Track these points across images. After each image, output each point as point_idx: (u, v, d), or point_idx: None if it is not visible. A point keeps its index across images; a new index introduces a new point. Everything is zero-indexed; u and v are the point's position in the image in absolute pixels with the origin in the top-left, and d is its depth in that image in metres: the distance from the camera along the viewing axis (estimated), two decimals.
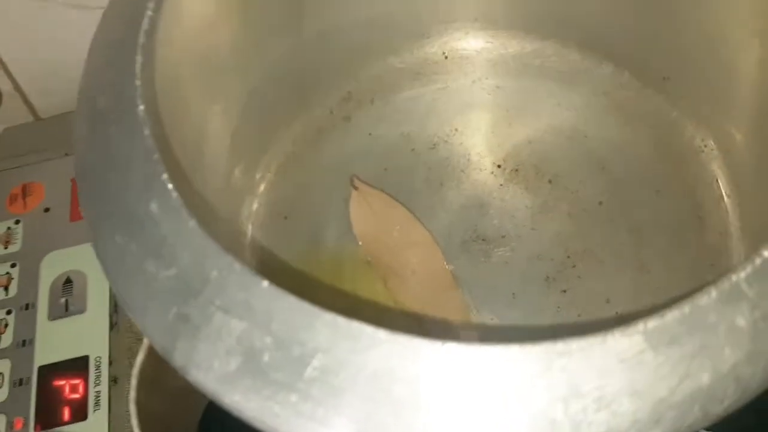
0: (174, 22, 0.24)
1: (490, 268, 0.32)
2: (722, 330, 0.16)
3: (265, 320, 0.17)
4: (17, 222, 0.37)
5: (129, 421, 0.20)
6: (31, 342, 0.33)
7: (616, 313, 0.30)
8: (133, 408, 0.19)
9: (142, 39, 0.22)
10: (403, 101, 0.37)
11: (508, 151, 0.35)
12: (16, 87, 0.43)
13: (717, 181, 0.33)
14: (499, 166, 0.35)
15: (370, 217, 0.34)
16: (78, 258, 0.35)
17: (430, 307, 0.32)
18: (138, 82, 0.21)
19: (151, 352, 0.20)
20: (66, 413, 0.32)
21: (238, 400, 0.17)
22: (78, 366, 0.32)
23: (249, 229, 0.34)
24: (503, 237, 0.33)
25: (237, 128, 0.33)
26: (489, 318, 0.31)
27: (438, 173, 0.35)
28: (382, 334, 0.17)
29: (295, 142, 0.36)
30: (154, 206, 0.19)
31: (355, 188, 0.34)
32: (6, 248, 0.36)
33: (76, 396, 0.32)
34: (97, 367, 0.32)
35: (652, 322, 0.16)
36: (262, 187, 0.35)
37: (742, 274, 0.17)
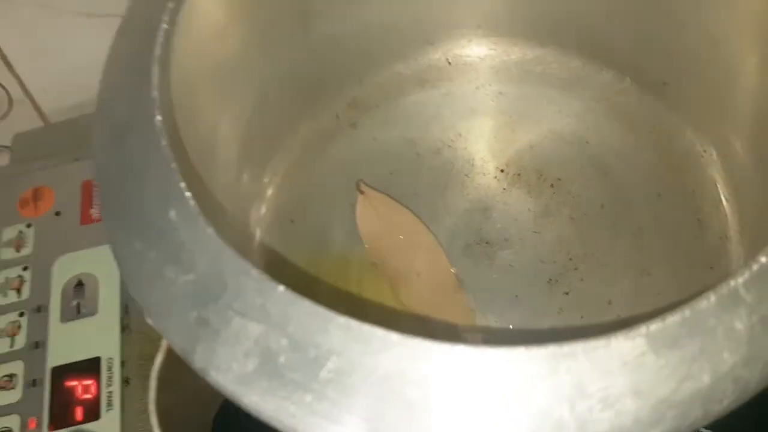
0: (188, 35, 0.25)
1: (494, 271, 0.33)
2: (721, 333, 0.17)
3: (282, 324, 0.18)
4: (29, 226, 0.38)
5: (143, 420, 0.20)
6: (44, 344, 0.34)
7: (618, 315, 0.31)
8: (152, 408, 0.20)
9: (158, 51, 0.22)
10: (408, 107, 0.38)
11: (511, 156, 0.36)
12: (26, 93, 0.44)
13: (716, 185, 0.34)
14: (502, 171, 0.36)
15: (375, 220, 0.34)
16: (89, 261, 0.36)
17: (434, 309, 0.33)
18: (155, 93, 0.22)
19: (169, 354, 0.21)
20: (79, 413, 0.32)
21: (256, 401, 0.18)
22: (90, 367, 0.33)
23: (257, 233, 0.34)
24: (506, 240, 0.34)
25: (246, 134, 0.33)
26: (492, 320, 0.32)
27: (442, 177, 0.36)
28: (393, 337, 0.17)
29: (302, 147, 0.37)
30: (172, 214, 0.20)
31: (361, 192, 0.35)
32: (18, 251, 0.37)
33: (88, 396, 0.32)
34: (109, 368, 0.33)
35: (653, 326, 0.17)
36: (269, 192, 0.35)
37: (740, 280, 0.17)
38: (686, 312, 0.17)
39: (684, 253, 0.33)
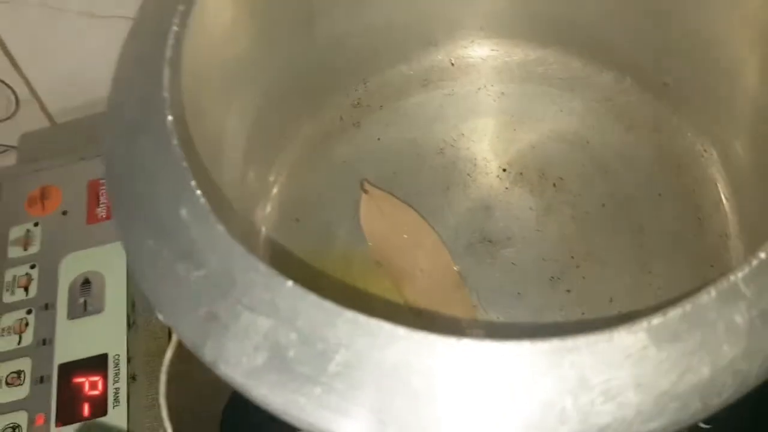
0: (197, 37, 0.25)
1: (496, 269, 0.33)
2: (721, 327, 0.17)
3: (290, 318, 0.19)
4: (36, 224, 0.38)
5: (149, 416, 0.21)
6: (51, 341, 0.34)
7: (619, 312, 0.31)
8: (163, 402, 0.20)
9: (168, 53, 0.23)
10: (411, 107, 0.38)
11: (513, 155, 0.36)
12: (33, 93, 0.44)
13: (716, 184, 0.34)
14: (504, 170, 0.36)
15: (379, 219, 0.35)
16: (96, 259, 0.37)
17: (437, 306, 0.33)
18: (166, 94, 0.22)
19: (179, 349, 0.21)
20: (86, 409, 0.33)
21: (265, 394, 0.18)
22: (97, 364, 0.34)
23: (262, 231, 0.35)
24: (509, 238, 0.34)
25: (251, 133, 0.34)
26: (495, 317, 0.32)
27: (445, 177, 0.36)
28: (400, 331, 0.18)
29: (307, 146, 0.37)
30: (183, 212, 0.20)
31: (365, 191, 0.35)
32: (25, 250, 0.37)
33: (95, 393, 0.33)
34: (116, 365, 0.33)
35: (655, 320, 0.17)
36: (274, 190, 0.36)
37: (740, 274, 0.18)
38: (687, 306, 0.17)
39: (684, 251, 0.33)
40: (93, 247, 0.37)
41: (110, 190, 0.22)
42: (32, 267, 0.37)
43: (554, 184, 0.35)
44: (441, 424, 0.17)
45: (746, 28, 0.31)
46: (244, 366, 0.18)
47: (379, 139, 0.38)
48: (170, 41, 0.23)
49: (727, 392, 0.17)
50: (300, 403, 0.18)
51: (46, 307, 0.35)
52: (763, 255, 0.18)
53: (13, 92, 0.44)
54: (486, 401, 0.17)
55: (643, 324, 0.17)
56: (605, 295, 0.32)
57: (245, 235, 0.34)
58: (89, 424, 0.29)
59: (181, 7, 0.24)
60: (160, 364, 0.24)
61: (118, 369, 0.33)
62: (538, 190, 0.35)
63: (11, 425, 0.32)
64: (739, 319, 0.17)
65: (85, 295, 0.36)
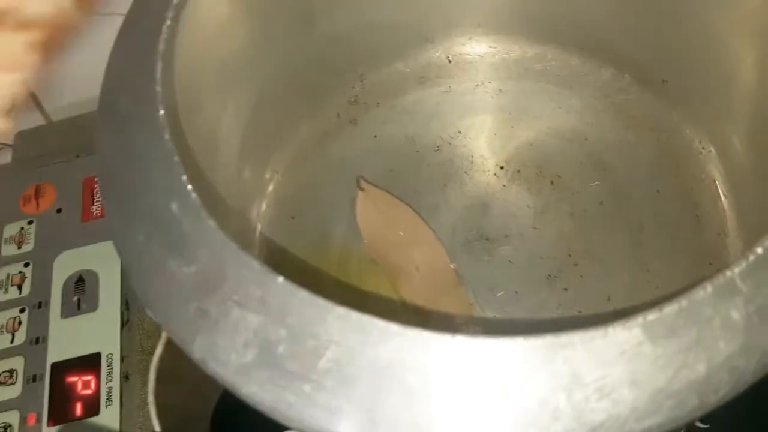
0: (191, 31, 0.25)
1: (493, 267, 0.33)
2: (717, 323, 0.17)
3: (280, 314, 0.18)
4: (30, 222, 0.38)
5: (142, 415, 0.21)
6: (44, 339, 0.34)
7: (615, 309, 0.31)
8: (151, 399, 0.20)
9: (161, 46, 0.23)
10: (408, 104, 0.38)
11: (511, 153, 0.36)
12: (29, 91, 0.44)
13: (715, 182, 0.34)
14: (501, 168, 0.36)
15: (375, 216, 0.35)
16: (90, 257, 0.36)
17: (434, 304, 0.33)
18: (158, 88, 0.22)
19: (169, 346, 0.21)
20: (78, 408, 0.32)
21: (255, 391, 0.18)
22: (90, 363, 0.33)
23: (258, 228, 0.35)
24: (506, 236, 0.34)
25: (247, 130, 0.33)
26: (491, 315, 0.32)
27: (442, 174, 0.36)
28: (392, 327, 0.18)
29: (303, 143, 0.37)
30: (174, 207, 0.20)
31: (361, 189, 0.35)
32: (19, 248, 0.37)
33: (88, 392, 0.33)
34: (109, 364, 0.33)
35: (650, 316, 0.17)
36: (270, 188, 0.36)
37: (737, 270, 0.18)
38: (683, 302, 0.17)
39: (683, 249, 0.33)
40: (87, 245, 0.37)
41: (102, 184, 0.21)
42: (26, 265, 0.36)
43: (552, 182, 0.35)
44: (434, 421, 0.17)
45: (745, 24, 0.30)
46: (233, 363, 0.18)
47: (375, 136, 0.37)
48: (163, 35, 0.23)
49: (723, 389, 0.17)
50: (289, 400, 0.18)
51: (40, 305, 0.35)
52: (760, 250, 0.18)
53: None
54: (479, 398, 0.17)
55: (639, 320, 0.17)
56: (603, 293, 0.32)
57: (241, 233, 0.33)
58: (76, 425, 0.29)
59: (175, 1, 0.24)
60: None
61: (111, 368, 0.33)
62: (535, 187, 0.35)
63: (3, 425, 0.32)
64: (735, 314, 0.17)
65: (79, 294, 0.35)
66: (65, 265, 0.36)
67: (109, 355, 0.33)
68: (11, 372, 0.33)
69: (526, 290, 0.32)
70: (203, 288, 0.19)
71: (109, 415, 0.32)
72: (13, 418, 0.32)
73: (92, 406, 0.32)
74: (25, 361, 0.34)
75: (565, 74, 0.37)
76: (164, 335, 0.21)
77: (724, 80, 0.33)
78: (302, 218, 0.35)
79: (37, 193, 0.39)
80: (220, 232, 0.19)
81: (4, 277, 0.36)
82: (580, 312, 0.31)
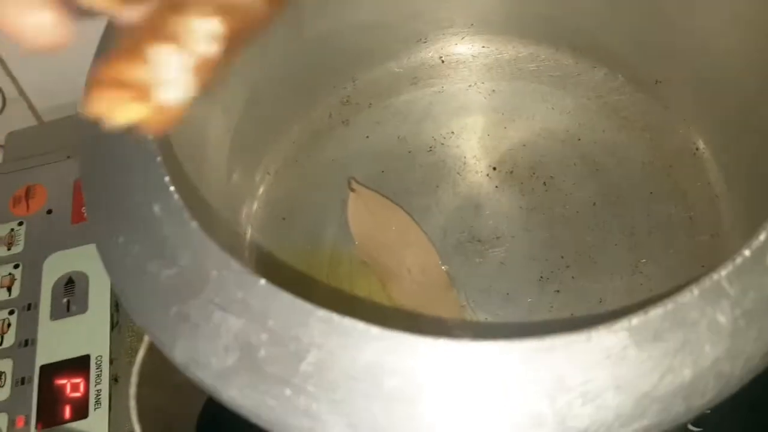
0: None
1: (485, 269, 0.33)
2: (704, 326, 0.17)
3: (262, 317, 0.18)
4: (20, 224, 0.38)
5: (129, 417, 0.20)
6: (33, 342, 0.34)
7: (607, 311, 0.31)
8: (133, 403, 0.20)
9: None
10: (400, 105, 0.38)
11: (503, 153, 0.36)
12: (21, 92, 0.44)
13: (708, 183, 0.34)
14: (494, 169, 0.36)
15: (366, 218, 0.34)
16: (80, 259, 0.36)
17: (425, 306, 0.32)
18: None
19: (152, 349, 0.21)
20: (67, 411, 0.32)
21: (235, 396, 0.18)
22: (79, 365, 0.33)
23: (248, 230, 0.34)
24: (498, 238, 0.34)
25: (237, 131, 0.33)
26: (483, 317, 0.32)
27: (434, 175, 0.36)
28: (374, 331, 0.17)
29: (294, 144, 0.37)
30: (156, 208, 0.20)
31: (353, 190, 0.35)
32: (9, 249, 0.37)
33: (77, 395, 0.32)
34: (98, 366, 0.33)
35: (636, 319, 0.17)
36: (261, 189, 0.35)
37: (724, 273, 0.17)
38: (669, 305, 0.17)
39: (676, 251, 0.32)
40: (77, 246, 0.36)
41: (84, 185, 0.21)
42: (16, 267, 0.36)
43: (544, 183, 0.35)
44: (414, 426, 0.17)
45: (733, 26, 0.30)
46: (214, 367, 0.18)
47: (368, 137, 0.37)
48: None
49: (710, 394, 0.16)
50: (270, 405, 0.17)
51: (29, 307, 0.35)
52: (747, 252, 0.17)
53: (0, 90, 0.43)
54: (461, 403, 0.17)
55: (624, 323, 0.17)
56: (595, 295, 0.32)
57: (231, 234, 0.33)
58: (64, 428, 0.29)
59: None
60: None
61: (101, 370, 0.33)
62: (528, 188, 0.35)
63: None
64: (722, 318, 0.17)
65: (69, 296, 0.35)
66: (55, 267, 0.36)
67: (99, 358, 0.33)
68: (0, 374, 0.33)
69: (518, 292, 0.32)
70: (184, 291, 0.19)
71: (97, 417, 0.32)
72: (1, 420, 0.32)
73: (81, 408, 0.32)
74: (13, 363, 0.34)
75: (558, 74, 0.37)
76: (146, 338, 0.21)
77: (717, 80, 0.32)
78: (293, 220, 0.35)
79: (28, 195, 0.38)
80: (202, 234, 0.19)
81: None
82: (572, 314, 0.31)
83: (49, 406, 0.32)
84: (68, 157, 0.40)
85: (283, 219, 0.35)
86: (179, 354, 0.18)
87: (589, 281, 0.32)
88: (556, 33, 0.37)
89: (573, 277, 0.32)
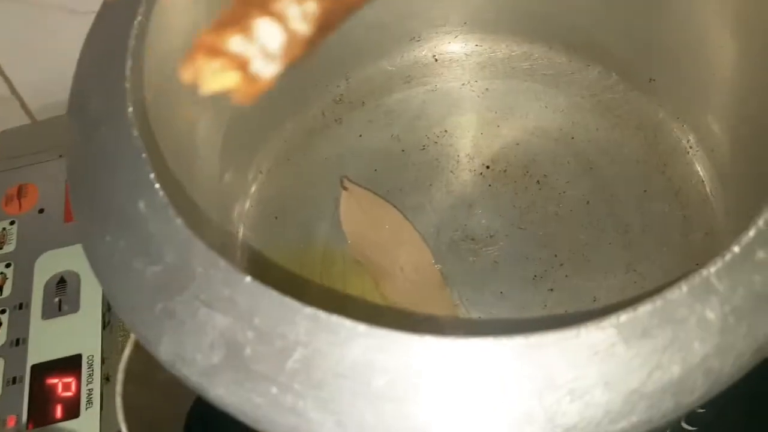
0: (163, 28, 0.24)
1: (478, 267, 0.33)
2: (692, 323, 0.17)
3: (248, 315, 0.18)
4: (12, 223, 0.38)
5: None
6: (25, 341, 0.34)
7: (601, 309, 0.31)
8: (119, 402, 0.19)
9: (132, 43, 0.22)
10: (393, 103, 0.38)
11: (497, 152, 0.36)
12: (13, 91, 0.43)
13: (702, 181, 0.34)
14: (487, 167, 0.35)
15: (359, 216, 0.34)
16: (72, 258, 0.36)
17: (418, 305, 0.32)
18: (127, 85, 0.22)
19: (138, 347, 0.21)
20: (59, 411, 0.32)
21: (221, 394, 0.18)
22: (71, 364, 0.33)
23: (240, 229, 0.34)
24: (491, 236, 0.33)
25: (229, 130, 0.33)
26: (477, 316, 0.32)
27: (427, 174, 0.35)
28: (361, 328, 0.17)
29: (287, 143, 0.37)
30: (141, 205, 0.20)
31: (345, 189, 0.35)
32: (1, 248, 0.37)
33: (68, 394, 0.32)
34: (90, 366, 0.33)
35: (624, 316, 0.17)
36: (253, 188, 0.35)
37: (713, 269, 0.17)
38: (657, 302, 0.17)
39: (670, 249, 0.32)
40: (69, 245, 0.36)
41: (70, 182, 0.21)
42: (7, 266, 0.36)
43: (538, 181, 0.35)
44: (402, 423, 0.17)
45: (728, 21, 0.30)
46: (199, 364, 0.18)
47: (361, 135, 0.37)
48: (134, 31, 0.22)
49: (699, 390, 0.16)
50: (256, 402, 0.17)
51: (20, 306, 0.35)
52: (736, 249, 0.17)
53: None
54: (449, 401, 0.17)
55: (612, 320, 0.17)
56: (589, 293, 0.32)
57: (223, 233, 0.33)
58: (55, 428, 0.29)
59: None
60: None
61: (92, 370, 0.33)
62: (521, 187, 0.35)
63: None
64: (711, 315, 0.17)
65: (61, 295, 0.35)
66: (47, 266, 0.36)
67: (90, 357, 0.33)
68: None
69: (511, 291, 0.32)
70: (170, 287, 0.19)
71: (89, 417, 0.32)
72: None
73: (72, 408, 0.32)
74: (5, 362, 0.33)
75: (551, 73, 0.37)
76: (133, 336, 0.21)
77: (711, 78, 0.32)
78: (286, 218, 0.35)
79: (20, 193, 0.38)
80: (187, 231, 0.19)
81: None
82: (566, 311, 0.31)
83: (41, 405, 0.32)
84: (60, 156, 0.39)
85: (276, 218, 0.35)
86: (164, 351, 0.18)
87: (582, 279, 0.32)
88: (550, 31, 0.37)
89: (567, 276, 0.32)
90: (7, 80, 0.43)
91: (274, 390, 0.17)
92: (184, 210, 0.20)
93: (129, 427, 0.19)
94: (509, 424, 0.16)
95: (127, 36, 0.22)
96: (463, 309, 0.32)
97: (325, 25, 0.14)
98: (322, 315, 0.18)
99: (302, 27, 0.14)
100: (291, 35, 0.14)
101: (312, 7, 0.14)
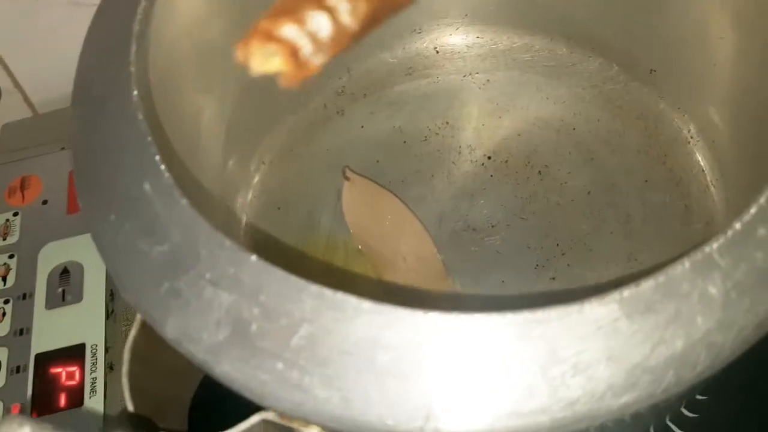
0: (168, 14, 0.25)
1: (480, 257, 0.33)
2: (695, 298, 0.17)
3: (254, 293, 0.18)
4: (15, 214, 0.38)
5: (123, 395, 0.20)
6: (29, 330, 0.34)
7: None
8: (125, 382, 0.20)
9: (136, 27, 0.22)
10: (395, 95, 0.38)
11: (498, 143, 0.36)
12: (16, 84, 0.44)
13: (703, 171, 0.34)
14: (489, 158, 0.36)
15: (362, 206, 0.34)
16: (75, 249, 0.36)
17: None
18: (132, 69, 0.22)
19: (144, 328, 0.21)
20: (62, 400, 0.32)
21: (227, 371, 0.18)
22: (74, 353, 0.33)
23: (243, 219, 0.34)
24: (493, 226, 0.34)
25: (232, 120, 0.33)
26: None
27: (429, 165, 0.36)
28: (366, 305, 0.17)
29: (289, 134, 0.37)
30: (147, 186, 0.20)
31: (347, 179, 0.35)
32: (4, 239, 0.37)
33: (72, 383, 0.32)
34: (93, 355, 0.33)
35: (627, 291, 0.17)
36: (256, 178, 0.35)
37: (715, 245, 0.17)
38: (660, 277, 0.17)
39: (671, 238, 0.32)
40: (73, 236, 0.36)
41: (75, 165, 0.21)
42: (11, 257, 0.36)
43: (539, 172, 0.35)
44: (407, 398, 0.17)
45: (724, 13, 0.30)
46: (205, 342, 0.18)
47: (362, 127, 0.37)
48: (138, 16, 0.23)
49: (701, 365, 0.16)
50: (262, 379, 0.17)
51: (24, 296, 0.35)
52: (738, 226, 0.17)
53: None
54: (453, 376, 0.17)
55: (615, 295, 0.17)
56: (591, 282, 0.32)
57: (226, 223, 0.33)
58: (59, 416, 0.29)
59: None
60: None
61: (96, 359, 0.33)
62: (523, 177, 0.35)
63: None
64: (713, 290, 0.17)
65: (64, 285, 0.35)
66: (50, 257, 0.36)
67: (94, 346, 0.33)
68: None
69: (513, 280, 0.32)
70: (176, 267, 0.19)
71: (93, 405, 0.32)
72: None
73: (76, 396, 0.32)
74: (9, 351, 0.34)
75: (552, 64, 0.37)
76: (138, 317, 0.21)
77: (711, 68, 0.32)
78: (288, 209, 0.35)
79: (23, 185, 0.38)
80: (192, 211, 0.19)
81: None
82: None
83: (45, 394, 0.32)
84: (63, 148, 0.40)
85: (279, 208, 0.35)
86: (171, 330, 0.18)
87: (584, 269, 0.32)
88: (551, 23, 0.37)
89: (568, 265, 0.32)
90: (9, 73, 0.43)
91: (279, 366, 0.17)
92: (189, 192, 0.20)
93: (135, 407, 0.19)
94: (513, 398, 0.16)
95: (132, 21, 0.23)
96: None
97: (371, 21, 0.15)
98: (328, 292, 0.18)
99: (350, 22, 0.15)
100: (339, 28, 0.15)
101: (362, 5, 0.15)
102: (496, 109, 0.37)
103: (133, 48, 0.22)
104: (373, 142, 0.37)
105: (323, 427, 0.19)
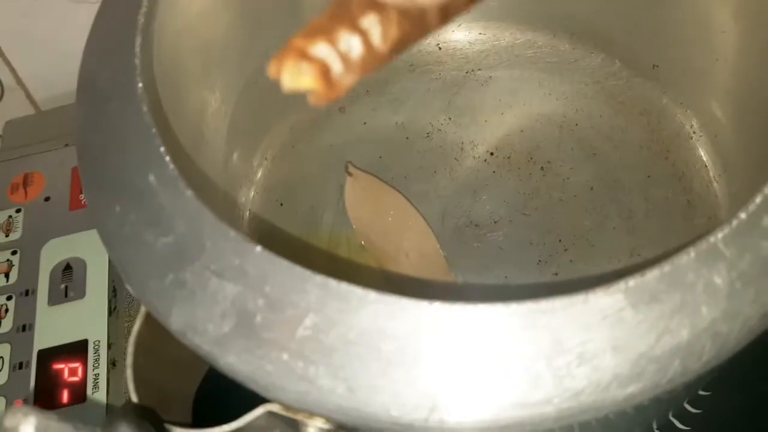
0: (173, 8, 0.25)
1: (483, 253, 0.33)
2: (700, 288, 0.17)
3: (259, 283, 0.18)
4: (18, 211, 0.38)
5: (126, 387, 0.20)
6: (31, 327, 0.34)
7: None
8: (129, 373, 0.20)
9: (141, 20, 0.22)
10: (397, 91, 0.38)
11: (501, 139, 0.36)
12: (18, 81, 0.44)
13: (705, 166, 0.34)
14: (491, 154, 0.36)
15: (364, 202, 0.34)
16: (78, 245, 0.36)
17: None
18: (137, 61, 0.22)
19: (148, 320, 0.21)
20: (65, 396, 0.32)
21: (233, 362, 0.18)
22: (77, 350, 0.33)
23: (246, 215, 0.34)
24: (496, 222, 0.34)
25: (234, 116, 0.33)
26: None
27: (432, 161, 0.36)
28: (371, 295, 0.17)
29: (292, 131, 0.37)
30: (152, 178, 0.20)
31: (350, 174, 0.35)
32: (7, 236, 0.37)
33: (75, 379, 0.32)
34: (96, 351, 0.33)
35: (632, 281, 0.17)
36: (259, 174, 0.35)
37: (720, 235, 0.17)
38: (665, 267, 0.17)
39: (674, 234, 0.32)
40: (75, 233, 0.36)
41: (80, 156, 0.21)
42: (13, 253, 0.36)
43: (542, 168, 0.35)
44: (412, 389, 0.17)
45: (727, 8, 0.30)
46: (210, 333, 0.18)
47: (365, 123, 0.37)
48: (143, 9, 0.23)
49: (707, 355, 0.16)
50: (267, 370, 0.17)
51: (27, 293, 0.35)
52: (743, 215, 0.17)
53: None
54: (458, 366, 0.17)
55: (620, 285, 0.17)
56: (593, 278, 0.32)
57: (228, 219, 0.33)
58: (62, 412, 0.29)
59: None
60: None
61: (98, 355, 0.33)
62: (525, 173, 0.35)
63: None
64: (718, 280, 0.17)
65: (67, 281, 0.35)
66: (53, 253, 0.36)
67: (96, 342, 0.33)
68: None
69: (516, 276, 0.32)
70: (180, 258, 0.19)
71: (95, 401, 0.32)
72: None
73: (79, 393, 0.32)
74: (12, 348, 0.34)
75: (555, 60, 0.37)
76: (143, 309, 0.21)
77: (714, 63, 0.32)
78: (291, 205, 0.35)
79: (26, 182, 0.39)
80: (197, 202, 0.19)
81: None
82: None
83: (47, 390, 0.32)
84: (66, 145, 0.40)
85: (281, 204, 0.35)
86: (175, 321, 0.18)
87: (587, 264, 0.32)
88: (553, 19, 0.37)
89: (571, 261, 0.32)
90: (12, 70, 0.43)
91: (285, 357, 0.17)
92: (194, 184, 0.20)
93: (139, 398, 0.19)
94: (518, 388, 0.16)
95: (136, 14, 0.23)
96: None
97: (399, 46, 0.16)
98: (333, 283, 0.18)
99: (380, 45, 0.15)
100: (369, 50, 0.15)
101: (393, 31, 0.15)
102: (498, 105, 0.37)
103: (138, 40, 0.22)
104: (375, 138, 0.37)
105: (328, 418, 0.19)
